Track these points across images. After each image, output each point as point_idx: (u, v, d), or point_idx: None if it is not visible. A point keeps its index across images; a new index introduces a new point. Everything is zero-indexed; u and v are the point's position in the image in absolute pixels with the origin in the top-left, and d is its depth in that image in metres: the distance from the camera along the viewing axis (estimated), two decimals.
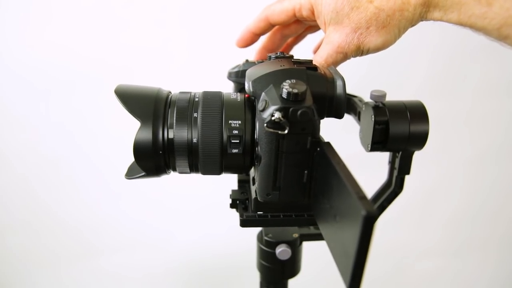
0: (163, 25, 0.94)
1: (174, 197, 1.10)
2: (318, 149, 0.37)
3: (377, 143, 0.43)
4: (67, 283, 1.16)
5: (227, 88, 0.53)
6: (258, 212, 0.45)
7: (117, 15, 0.93)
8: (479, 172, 1.16)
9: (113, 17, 0.93)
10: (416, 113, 0.43)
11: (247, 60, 0.53)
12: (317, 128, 0.36)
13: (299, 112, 0.35)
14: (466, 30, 0.44)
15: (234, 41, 0.55)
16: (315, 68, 0.40)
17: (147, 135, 0.39)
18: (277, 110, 0.35)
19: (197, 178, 0.47)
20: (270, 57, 0.45)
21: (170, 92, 0.43)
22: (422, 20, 0.44)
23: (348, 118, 0.53)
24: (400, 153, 0.46)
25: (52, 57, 0.95)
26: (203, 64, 0.94)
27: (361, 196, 0.27)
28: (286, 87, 0.35)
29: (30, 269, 1.15)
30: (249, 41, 0.54)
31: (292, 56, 0.44)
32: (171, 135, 0.40)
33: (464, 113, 1.09)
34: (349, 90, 0.52)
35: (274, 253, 0.52)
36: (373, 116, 0.42)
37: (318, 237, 0.55)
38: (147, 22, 0.94)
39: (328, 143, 0.37)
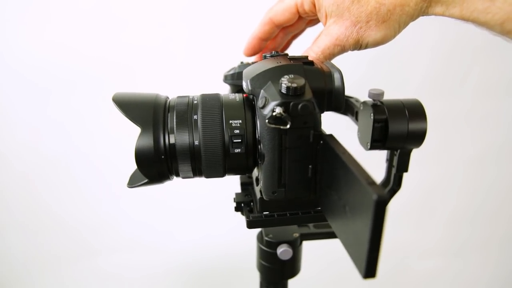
0: (161, 27, 0.95)
1: (174, 198, 1.09)
2: (321, 142, 0.36)
3: (376, 141, 0.43)
4: (66, 283, 1.15)
5: (224, 91, 0.53)
6: (264, 212, 0.45)
7: (116, 17, 0.94)
8: (479, 171, 1.16)
9: (112, 18, 0.94)
10: (414, 111, 0.43)
11: (241, 62, 0.53)
12: (318, 121, 0.36)
13: (299, 105, 0.35)
14: (466, 29, 0.44)
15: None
16: (311, 62, 0.40)
17: (148, 141, 0.39)
18: (277, 105, 0.35)
19: (197, 178, 0.47)
20: (265, 56, 0.45)
21: (167, 97, 0.43)
22: (423, 15, 0.43)
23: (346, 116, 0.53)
24: (398, 151, 0.46)
25: (52, 57, 0.95)
26: (198, 68, 0.95)
27: (370, 181, 0.27)
28: (285, 82, 0.35)
29: (30, 269, 1.14)
30: (257, 48, 0.53)
31: (287, 54, 0.44)
32: (172, 140, 0.39)
33: (464, 112, 1.09)
34: (346, 91, 0.53)
35: (275, 253, 0.52)
36: (372, 114, 0.42)
37: (318, 236, 0.55)
38: (146, 24, 0.94)
39: (331, 135, 0.37)
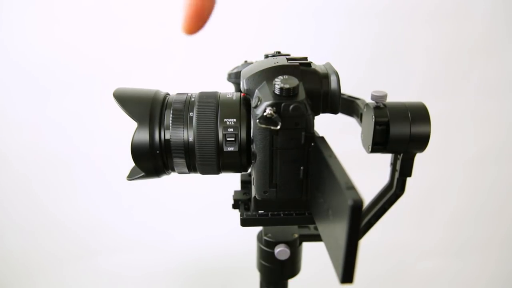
0: (164, 26, 0.95)
1: (174, 198, 1.10)
2: (313, 144, 0.36)
3: (377, 144, 0.43)
4: (67, 283, 1.17)
5: (228, 90, 0.53)
6: (259, 211, 0.45)
7: (117, 16, 0.95)
8: (480, 172, 1.14)
9: (113, 18, 0.95)
10: (418, 114, 0.42)
11: (245, 61, 0.53)
12: (310, 123, 0.36)
13: (291, 107, 0.35)
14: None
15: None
16: (309, 64, 0.40)
17: (144, 136, 0.40)
18: (269, 105, 0.35)
19: (197, 178, 0.48)
20: (266, 55, 0.45)
21: (168, 94, 0.44)
22: None
23: (352, 119, 0.52)
24: (402, 155, 0.45)
25: (52, 58, 0.97)
26: (204, 66, 0.95)
27: (349, 186, 0.27)
28: (278, 83, 0.35)
29: (31, 270, 1.16)
30: None
31: (288, 54, 0.44)
32: (167, 136, 0.40)
33: (464, 112, 1.08)
34: (351, 92, 0.52)
35: (273, 253, 0.52)
36: (373, 116, 0.42)
37: (318, 238, 0.54)
38: (148, 22, 0.95)
39: (322, 138, 0.37)
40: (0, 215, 1.11)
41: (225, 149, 0.40)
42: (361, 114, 0.47)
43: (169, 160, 0.41)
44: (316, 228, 0.56)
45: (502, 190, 1.17)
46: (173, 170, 0.43)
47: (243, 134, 0.39)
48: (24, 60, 0.97)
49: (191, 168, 0.42)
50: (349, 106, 0.51)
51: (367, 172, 0.73)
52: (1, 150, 1.05)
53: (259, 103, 0.36)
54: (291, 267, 0.55)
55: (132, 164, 0.42)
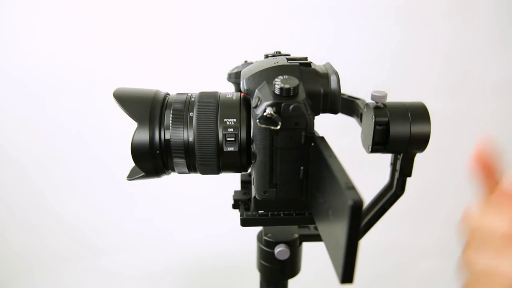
0: (165, 27, 0.96)
1: (175, 198, 1.11)
2: (313, 144, 0.36)
3: (377, 144, 0.43)
4: (68, 282, 1.17)
5: (228, 90, 0.53)
6: (259, 211, 0.45)
7: (118, 16, 0.95)
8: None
9: (114, 18, 0.95)
10: (418, 114, 0.42)
11: (246, 61, 0.53)
12: (310, 123, 0.36)
13: (291, 107, 0.35)
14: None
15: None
16: (308, 64, 0.40)
17: (144, 136, 0.40)
18: (269, 105, 0.35)
19: (197, 178, 0.48)
20: (266, 55, 0.45)
21: (168, 94, 0.44)
22: None
23: (352, 119, 0.52)
24: (402, 155, 0.45)
25: (52, 57, 0.97)
26: (204, 66, 0.96)
27: (350, 186, 0.27)
28: (278, 83, 0.35)
29: (33, 269, 1.16)
30: None
31: (289, 54, 0.44)
32: (167, 136, 0.40)
33: (465, 113, 1.08)
34: (351, 92, 0.52)
35: (273, 253, 0.52)
36: (373, 116, 0.42)
37: (318, 238, 0.54)
38: (149, 23, 0.95)
39: (322, 138, 0.37)
40: (3, 213, 1.11)
41: (225, 149, 0.40)
42: (361, 114, 0.47)
43: (169, 160, 0.41)
44: (316, 228, 0.56)
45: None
46: (173, 170, 0.43)
47: (243, 134, 0.39)
48: (25, 59, 0.97)
49: (191, 168, 0.42)
50: (349, 106, 0.52)
51: (367, 172, 0.73)
52: (4, 149, 1.05)
53: (259, 103, 0.36)
54: (291, 267, 0.55)
55: (132, 164, 0.42)
